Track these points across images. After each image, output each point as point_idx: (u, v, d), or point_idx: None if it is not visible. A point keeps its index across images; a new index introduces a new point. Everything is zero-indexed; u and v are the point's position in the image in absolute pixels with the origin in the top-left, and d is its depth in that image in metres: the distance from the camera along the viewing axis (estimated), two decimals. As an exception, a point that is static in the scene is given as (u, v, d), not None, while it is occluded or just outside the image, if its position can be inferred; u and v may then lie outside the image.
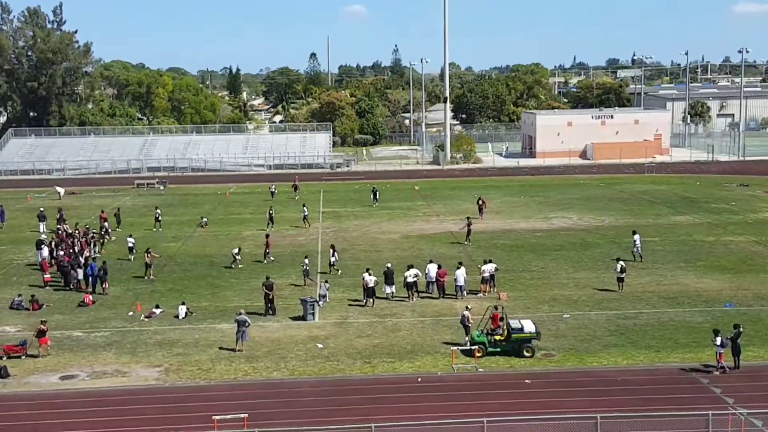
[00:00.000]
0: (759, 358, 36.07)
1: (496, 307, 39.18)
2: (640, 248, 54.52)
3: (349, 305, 45.59)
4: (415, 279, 46.33)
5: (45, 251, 55.91)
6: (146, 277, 52.70)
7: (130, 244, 58.91)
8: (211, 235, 67.02)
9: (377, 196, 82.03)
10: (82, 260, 52.15)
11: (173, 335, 40.84)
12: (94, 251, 58.14)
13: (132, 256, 58.24)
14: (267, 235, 60.04)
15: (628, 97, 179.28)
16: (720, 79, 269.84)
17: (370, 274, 45.53)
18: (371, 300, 45.34)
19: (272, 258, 57.46)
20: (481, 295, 46.28)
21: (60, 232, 61.98)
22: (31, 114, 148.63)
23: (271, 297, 43.87)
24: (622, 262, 47.83)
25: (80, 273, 50.71)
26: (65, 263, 51.64)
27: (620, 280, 47.33)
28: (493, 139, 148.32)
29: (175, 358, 37.55)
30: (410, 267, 47.17)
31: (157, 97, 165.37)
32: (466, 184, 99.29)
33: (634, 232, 56.11)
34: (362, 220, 73.70)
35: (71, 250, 54.76)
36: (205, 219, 72.35)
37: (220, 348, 38.62)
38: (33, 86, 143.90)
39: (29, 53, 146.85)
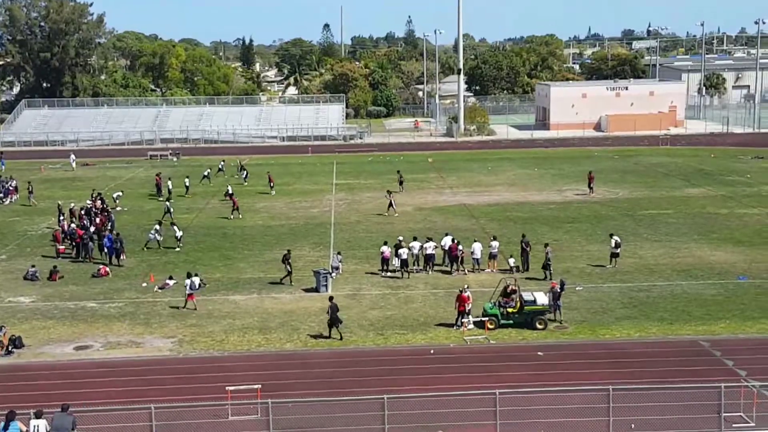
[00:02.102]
0: (772, 331, 35.98)
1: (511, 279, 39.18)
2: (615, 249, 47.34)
3: (359, 277, 45.68)
4: (433, 252, 46.42)
5: (63, 221, 56.20)
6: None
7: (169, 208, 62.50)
8: (224, 206, 67.09)
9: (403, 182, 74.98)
10: (92, 233, 52.29)
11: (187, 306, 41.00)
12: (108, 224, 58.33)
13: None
14: (231, 194, 66.01)
15: (643, 69, 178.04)
16: (736, 51, 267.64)
17: (401, 246, 46.03)
18: (405, 273, 45.62)
19: (240, 215, 62.10)
20: (488, 270, 46.13)
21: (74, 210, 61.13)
22: (45, 85, 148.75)
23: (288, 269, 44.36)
24: (617, 237, 47.30)
25: (95, 245, 50.93)
26: (78, 235, 51.66)
27: (614, 255, 46.84)
28: (507, 111, 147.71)
29: (189, 329, 37.74)
30: (429, 240, 47.28)
31: (170, 68, 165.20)
32: (479, 156, 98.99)
33: (612, 235, 48.01)
34: (375, 192, 73.57)
35: (86, 223, 55.01)
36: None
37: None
38: (46, 57, 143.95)
39: (42, 24, 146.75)
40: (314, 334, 36.94)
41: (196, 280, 43.62)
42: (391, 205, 63.13)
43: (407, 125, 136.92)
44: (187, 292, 40.66)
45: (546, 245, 46.30)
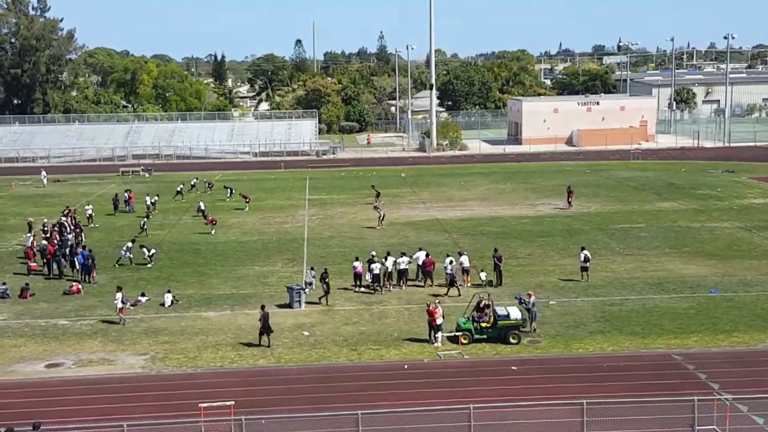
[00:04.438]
0: (744, 343, 36.25)
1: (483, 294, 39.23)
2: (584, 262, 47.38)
3: (321, 295, 45.54)
4: (406, 267, 46.41)
5: (30, 239, 55.54)
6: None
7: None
8: (196, 222, 66.80)
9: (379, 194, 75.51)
10: (66, 250, 51.77)
11: (159, 323, 40.73)
12: (80, 239, 57.79)
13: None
14: (203, 211, 67.87)
15: (614, 84, 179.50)
16: (705, 66, 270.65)
17: (374, 261, 45.93)
18: (380, 288, 45.48)
19: (213, 233, 62.06)
20: (465, 285, 46.05)
21: (46, 228, 60.41)
22: (15, 101, 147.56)
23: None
24: (586, 252, 47.46)
25: (67, 262, 50.45)
26: (48, 251, 51.11)
27: (584, 269, 47.01)
28: (479, 125, 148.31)
29: (162, 346, 37.46)
30: (403, 254, 47.33)
31: (142, 84, 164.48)
32: (452, 170, 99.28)
33: (583, 249, 48.33)
34: (348, 207, 73.61)
35: (59, 238, 54.41)
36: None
37: (243, 344, 38.05)
38: (17, 73, 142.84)
39: (12, 40, 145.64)
40: (246, 342, 37.56)
41: (169, 296, 43.51)
42: (380, 217, 63.46)
43: (380, 140, 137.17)
44: (118, 306, 40.66)
45: (451, 261, 45.92)
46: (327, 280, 43.56)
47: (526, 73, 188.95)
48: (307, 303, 43.21)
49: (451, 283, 44.88)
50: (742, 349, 35.58)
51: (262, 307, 37.89)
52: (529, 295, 38.70)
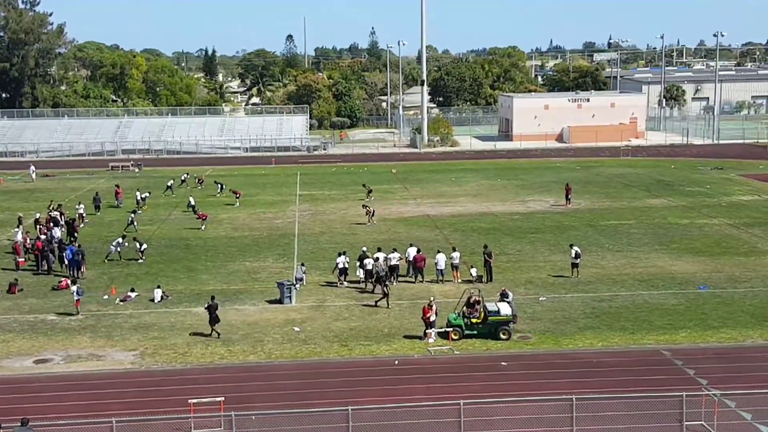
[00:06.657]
0: (732, 339, 36.39)
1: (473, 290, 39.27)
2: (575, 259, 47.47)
3: (320, 286, 45.51)
4: (398, 262, 46.40)
5: (19, 234, 55.33)
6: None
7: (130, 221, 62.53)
8: (187, 218, 66.66)
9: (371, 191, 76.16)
10: (55, 245, 51.59)
11: (149, 319, 40.63)
12: (74, 235, 57.56)
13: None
14: (194, 206, 67.77)
15: (604, 81, 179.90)
16: (695, 63, 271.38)
17: (365, 257, 45.80)
18: (371, 284, 45.08)
19: (203, 228, 61.69)
20: (455, 281, 46.13)
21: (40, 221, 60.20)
22: (4, 95, 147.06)
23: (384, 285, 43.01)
24: (576, 248, 47.58)
25: (55, 257, 50.27)
26: (37, 247, 50.93)
27: (574, 265, 47.13)
28: (470, 122, 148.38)
29: (151, 341, 37.37)
30: (394, 250, 47.31)
31: (132, 79, 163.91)
32: (443, 167, 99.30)
33: (572, 245, 48.31)
34: (339, 203, 73.57)
35: (48, 233, 54.22)
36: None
37: (192, 334, 38.44)
38: (5, 67, 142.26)
39: (1, 34, 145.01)
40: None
41: (159, 292, 43.43)
42: (368, 214, 63.47)
43: (371, 136, 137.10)
44: (75, 297, 41.17)
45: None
46: (386, 282, 43.10)
47: (517, 70, 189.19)
48: (369, 305, 42.98)
49: (378, 279, 43.94)
50: (731, 345, 35.72)
51: (212, 298, 38.49)
52: (505, 294, 38.95)
